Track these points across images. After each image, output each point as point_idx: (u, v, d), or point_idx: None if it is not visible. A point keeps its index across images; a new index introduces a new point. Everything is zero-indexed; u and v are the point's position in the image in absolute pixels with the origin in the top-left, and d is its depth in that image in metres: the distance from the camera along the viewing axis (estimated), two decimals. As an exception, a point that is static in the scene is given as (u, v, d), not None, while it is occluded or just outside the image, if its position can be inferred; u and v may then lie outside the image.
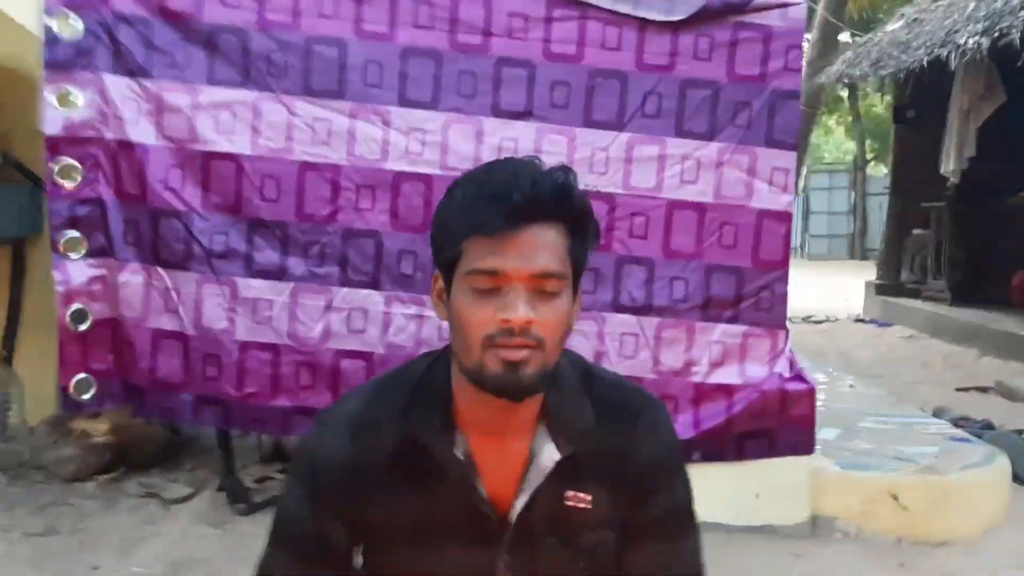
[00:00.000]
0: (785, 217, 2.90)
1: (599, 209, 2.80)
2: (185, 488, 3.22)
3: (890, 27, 8.83)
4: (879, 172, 22.38)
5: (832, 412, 3.71)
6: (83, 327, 2.83)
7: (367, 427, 1.33)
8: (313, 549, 1.33)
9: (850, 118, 22.32)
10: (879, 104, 19.36)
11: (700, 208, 2.87)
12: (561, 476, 1.31)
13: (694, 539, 1.45)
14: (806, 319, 9.51)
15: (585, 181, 2.78)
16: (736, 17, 2.82)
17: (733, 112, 2.85)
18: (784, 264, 2.92)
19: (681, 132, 2.85)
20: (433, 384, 1.32)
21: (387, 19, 2.80)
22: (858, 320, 9.65)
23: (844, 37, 11.36)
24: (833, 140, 31.59)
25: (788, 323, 2.99)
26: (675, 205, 2.87)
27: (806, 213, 23.03)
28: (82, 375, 2.86)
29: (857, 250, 21.47)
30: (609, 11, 2.80)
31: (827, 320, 9.59)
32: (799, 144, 9.72)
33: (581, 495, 1.34)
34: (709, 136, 2.86)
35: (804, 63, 10.34)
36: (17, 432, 3.59)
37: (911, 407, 4.33)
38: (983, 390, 5.81)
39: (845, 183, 22.71)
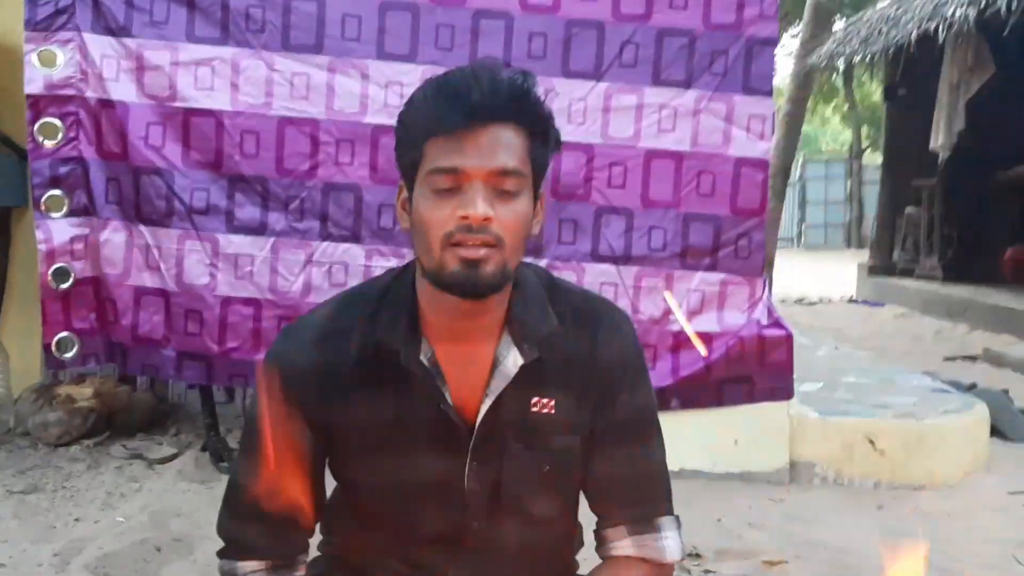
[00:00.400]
0: (762, 164, 2.92)
1: (578, 159, 2.85)
2: (169, 449, 3.24)
3: (880, 5, 8.86)
4: (875, 161, 22.40)
5: (814, 369, 3.74)
6: (65, 286, 2.86)
7: (333, 335, 1.35)
8: (283, 454, 1.35)
9: (846, 106, 22.35)
10: (875, 92, 19.38)
11: (677, 157, 2.90)
12: (526, 381, 1.33)
13: (658, 442, 1.47)
14: (799, 301, 9.55)
15: (563, 132, 2.83)
16: (711, -35, 2.84)
17: (709, 60, 2.87)
18: (762, 212, 2.94)
19: (658, 81, 2.88)
20: (399, 293, 1.34)
21: (365, -27, 2.83)
22: (851, 301, 9.68)
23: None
24: (830, 131, 31.63)
25: (767, 278, 3.02)
26: (653, 154, 2.89)
27: (802, 203, 23.07)
28: (64, 333, 2.89)
29: (854, 238, 21.49)
30: (585, -38, 2.83)
31: (820, 302, 9.62)
32: (792, 126, 9.76)
33: (545, 400, 1.35)
34: (686, 84, 2.88)
35: (797, 45, 10.38)
36: (2, 402, 3.60)
37: (895, 366, 4.36)
38: (971, 359, 5.84)
39: (841, 172, 22.73)
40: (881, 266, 9.90)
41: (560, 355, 1.35)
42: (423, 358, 1.31)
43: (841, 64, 9.42)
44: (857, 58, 8.43)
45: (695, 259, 2.92)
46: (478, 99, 1.19)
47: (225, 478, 2.90)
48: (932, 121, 8.02)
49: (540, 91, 1.28)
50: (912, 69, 8.69)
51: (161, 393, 3.71)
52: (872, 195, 19.22)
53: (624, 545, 1.42)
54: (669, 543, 1.41)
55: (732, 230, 2.92)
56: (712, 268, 2.93)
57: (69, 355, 2.88)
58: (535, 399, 1.35)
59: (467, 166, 1.18)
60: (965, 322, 7.37)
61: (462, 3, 2.84)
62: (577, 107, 2.86)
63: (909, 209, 9.35)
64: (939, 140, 7.84)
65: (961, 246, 8.71)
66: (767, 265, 9.42)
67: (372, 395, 1.33)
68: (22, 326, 3.78)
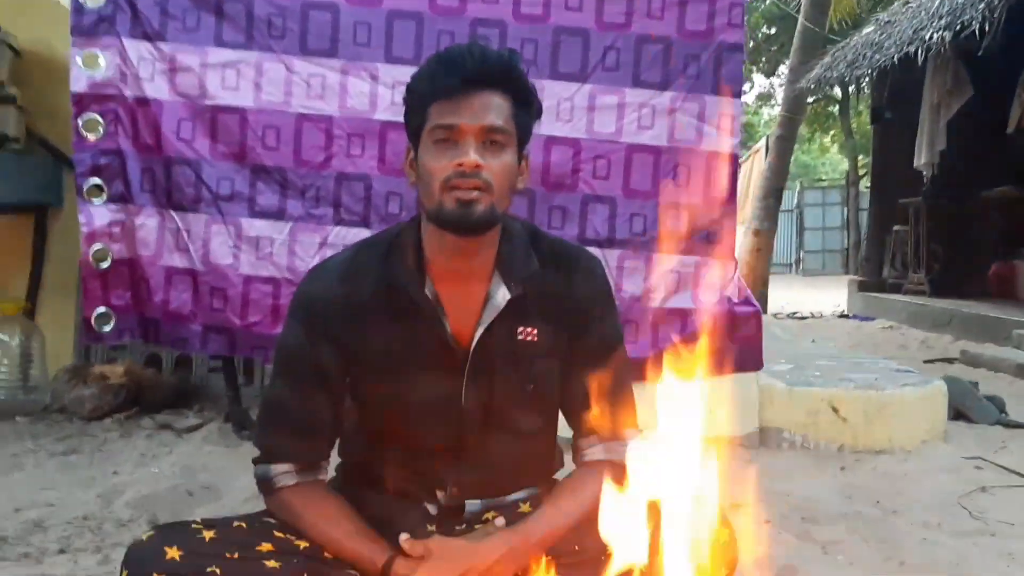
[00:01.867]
0: (731, 158, 3.21)
1: (566, 153, 3.16)
2: (195, 420, 3.54)
3: (864, 31, 9.22)
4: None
5: (788, 355, 4.02)
6: (104, 265, 3.14)
7: (353, 273, 1.66)
8: (310, 374, 1.64)
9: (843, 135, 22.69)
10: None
11: (656, 151, 3.20)
12: (512, 314, 1.63)
13: (624, 368, 1.76)
14: (791, 315, 9.81)
15: (552, 128, 3.15)
16: (684, -21, 3.16)
17: (684, 64, 3.18)
18: (731, 201, 3.23)
19: (638, 83, 3.18)
20: (407, 239, 1.65)
21: (374, -14, 3.15)
22: (842, 316, 9.94)
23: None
24: (829, 160, 32.00)
25: (737, 260, 3.32)
26: (633, 148, 3.20)
27: (800, 229, 23.33)
28: (102, 309, 3.17)
29: (852, 264, 21.70)
30: (571, -25, 3.15)
31: (812, 316, 9.89)
32: (784, 150, 10.07)
33: (529, 329, 1.66)
34: (663, 86, 3.18)
35: (787, 70, 10.70)
36: (38, 383, 3.89)
37: (865, 354, 4.63)
38: (949, 361, 6.10)
39: (838, 199, 23.03)
40: (871, 282, 10.18)
41: (541, 292, 1.66)
42: (427, 292, 1.61)
43: (836, 92, 9.80)
44: (847, 78, 8.75)
45: (672, 243, 3.21)
46: (471, 68, 1.51)
47: (246, 444, 3.20)
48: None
49: (524, 68, 1.60)
50: (897, 92, 9.05)
51: (184, 375, 4.02)
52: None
53: (596, 451, 1.71)
54: None
55: (705, 217, 3.22)
56: (688, 251, 3.22)
57: (107, 329, 3.16)
58: (520, 328, 1.65)
59: (462, 123, 1.49)
60: (950, 333, 7.61)
61: (461, 13, 3.16)
62: (565, 106, 3.16)
63: (897, 227, 9.65)
64: (922, 159, 8.17)
65: (947, 262, 8.99)
66: (761, 282, 9.73)
67: (385, 324, 1.62)
68: (55, 315, 4.10)
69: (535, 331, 1.66)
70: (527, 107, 1.60)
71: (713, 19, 3.17)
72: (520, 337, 1.66)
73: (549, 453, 1.85)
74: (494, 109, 1.51)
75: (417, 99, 1.56)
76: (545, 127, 3.11)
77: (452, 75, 1.50)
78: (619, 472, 1.66)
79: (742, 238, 10.31)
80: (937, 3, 7.28)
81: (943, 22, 6.94)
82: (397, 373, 1.64)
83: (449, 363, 1.63)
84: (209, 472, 2.94)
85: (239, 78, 3.11)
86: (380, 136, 3.14)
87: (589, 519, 1.59)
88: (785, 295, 12.57)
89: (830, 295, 12.80)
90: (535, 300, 1.65)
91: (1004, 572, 2.19)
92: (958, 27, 6.69)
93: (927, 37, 7.11)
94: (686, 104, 3.19)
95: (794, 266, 23.35)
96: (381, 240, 1.71)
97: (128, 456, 3.13)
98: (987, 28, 6.39)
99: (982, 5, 6.42)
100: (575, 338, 1.69)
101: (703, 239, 3.22)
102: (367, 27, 3.13)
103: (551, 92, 3.14)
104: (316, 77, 3.12)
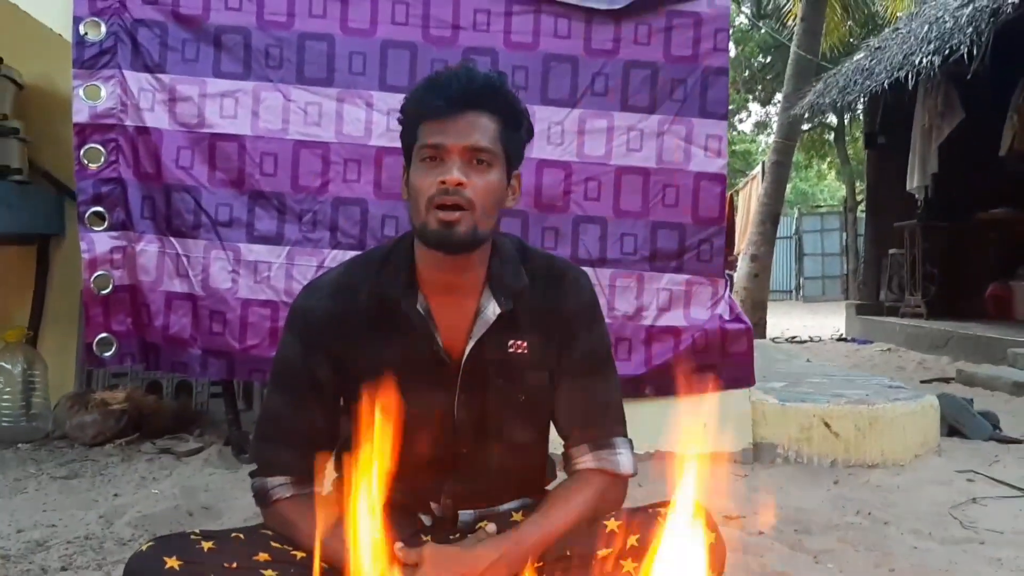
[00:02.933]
0: (719, 179, 3.29)
1: (557, 175, 3.23)
2: (195, 444, 3.57)
3: (856, 57, 9.34)
4: (869, 213, 22.74)
5: (782, 372, 4.06)
6: (105, 291, 3.22)
7: (346, 288, 1.70)
8: (306, 387, 1.69)
9: (839, 162, 22.85)
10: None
11: (645, 172, 3.27)
12: (503, 327, 1.67)
13: (612, 376, 1.80)
14: (790, 339, 9.85)
15: (544, 151, 3.22)
16: (669, 6, 3.26)
17: (670, 88, 3.27)
18: (720, 220, 3.30)
19: (626, 107, 3.27)
20: (399, 254, 1.70)
21: (369, 17, 3.24)
22: (840, 339, 9.98)
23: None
24: (828, 187, 32.14)
25: (727, 279, 3.38)
26: (623, 170, 3.27)
27: (800, 256, 23.39)
28: (104, 334, 3.24)
29: (852, 290, 21.73)
30: (560, 4, 3.24)
31: (810, 340, 9.93)
32: (779, 175, 10.15)
33: (519, 342, 1.70)
34: (650, 110, 3.27)
35: (781, 98, 10.82)
36: (40, 411, 3.93)
37: (859, 372, 4.67)
38: (945, 380, 6.13)
39: (836, 224, 23.12)
40: (868, 305, 10.24)
41: (530, 306, 1.70)
42: (419, 307, 1.65)
43: (831, 119, 9.91)
44: (839, 104, 8.86)
45: (663, 262, 3.28)
46: (457, 89, 1.57)
47: (246, 467, 3.22)
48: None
49: (512, 90, 1.66)
50: (890, 117, 9.15)
51: (185, 402, 4.06)
52: (867, 246, 19.56)
53: (586, 460, 1.74)
54: (623, 458, 1.74)
55: (695, 236, 3.29)
56: (678, 270, 3.28)
57: (108, 354, 3.22)
58: (511, 341, 1.70)
59: (447, 142, 1.54)
60: (947, 354, 7.63)
61: (453, 42, 3.24)
62: (555, 130, 3.25)
63: (893, 250, 9.71)
64: (914, 182, 8.25)
65: (943, 284, 9.03)
66: (759, 307, 9.77)
67: (378, 338, 1.66)
68: (58, 343, 4.15)
69: (525, 344, 1.70)
70: (515, 128, 1.64)
71: (698, 45, 3.26)
72: (511, 350, 1.69)
73: (541, 464, 1.89)
74: (480, 129, 1.55)
75: (408, 119, 1.61)
76: (536, 151, 3.18)
77: (439, 96, 1.56)
78: (608, 479, 1.72)
79: (740, 264, 10.38)
80: (926, 28, 7.39)
81: (932, 47, 7.04)
82: (392, 388, 1.68)
83: (442, 376, 1.67)
84: (209, 493, 2.97)
85: (237, 107, 3.20)
86: (376, 161, 3.21)
87: (579, 525, 1.64)
88: (784, 321, 12.62)
89: (830, 320, 12.84)
90: (525, 314, 1.69)
91: (992, 577, 2.22)
92: (947, 51, 6.79)
93: (917, 62, 7.21)
94: (674, 127, 3.27)
95: (794, 293, 23.38)
96: (374, 256, 1.76)
97: (129, 479, 3.16)
98: (975, 52, 6.48)
99: (970, 29, 6.52)
100: (564, 349, 1.72)
101: (693, 258, 3.28)
102: (362, 56, 3.22)
103: (542, 117, 3.22)
104: (313, 105, 3.21)
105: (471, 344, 1.66)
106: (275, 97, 3.21)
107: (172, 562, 1.51)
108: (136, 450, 3.58)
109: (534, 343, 1.71)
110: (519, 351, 1.70)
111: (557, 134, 3.25)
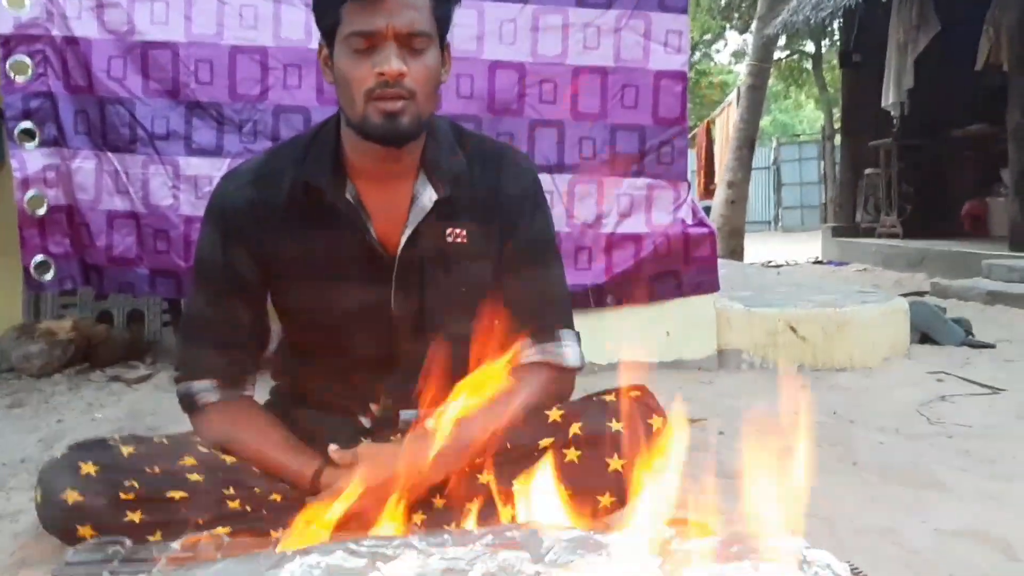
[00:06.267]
0: (680, 76, 3.16)
1: (511, 77, 3.08)
2: (146, 371, 3.46)
3: (830, -27, 9.13)
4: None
5: (752, 285, 3.97)
6: (40, 211, 3.07)
7: (267, 175, 1.57)
8: (228, 283, 1.56)
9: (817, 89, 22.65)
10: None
11: (602, 72, 3.13)
12: (440, 215, 1.55)
13: (556, 265, 1.69)
14: (765, 264, 9.79)
15: (496, 51, 3.07)
16: None
17: (628, -20, 3.11)
18: (681, 120, 3.18)
19: (581, 2, 3.11)
20: (324, 140, 1.56)
21: (305, -90, 3.05)
22: (816, 263, 9.93)
23: None
24: (806, 117, 31.94)
25: (689, 182, 3.27)
26: (579, 70, 3.13)
27: (778, 186, 23.28)
28: (41, 257, 3.10)
29: (830, 218, 21.68)
30: None
31: (786, 264, 9.87)
32: (754, 99, 10.00)
33: (458, 231, 1.58)
34: (607, 4, 3.11)
35: (755, 19, 10.64)
36: (-16, 345, 3.79)
37: (829, 283, 4.59)
38: (920, 294, 6.08)
39: (815, 153, 22.98)
40: (844, 228, 10.17)
41: (469, 191, 1.57)
42: (348, 196, 1.52)
43: (808, 47, 9.71)
44: (812, 21, 8.68)
45: (623, 166, 3.15)
46: None
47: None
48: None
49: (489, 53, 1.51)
50: (865, 34, 8.99)
51: (137, 331, 3.93)
52: (845, 174, 19.45)
53: (530, 353, 1.63)
54: (568, 350, 1.63)
55: (655, 138, 3.16)
56: (639, 174, 3.16)
57: (47, 277, 3.09)
58: (449, 230, 1.57)
59: (380, 27, 1.38)
60: (923, 271, 7.61)
61: (397, -62, 3.06)
62: (507, 28, 3.09)
63: (868, 170, 9.62)
64: (890, 98, 8.12)
65: (920, 203, 8.98)
66: (736, 234, 9.69)
67: (304, 230, 1.54)
68: (4, 276, 3.97)
69: (464, 232, 1.58)
70: None
71: (656, -68, 3.09)
72: (449, 239, 1.57)
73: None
74: (413, 9, 1.40)
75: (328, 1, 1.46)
76: (488, 51, 3.04)
77: None
78: (553, 372, 1.62)
79: (717, 191, 10.27)
80: (899, -62, 7.21)
81: (906, -44, 6.86)
82: (320, 282, 1.56)
83: (375, 269, 1.55)
84: (156, 416, 2.86)
85: (169, 11, 3.03)
86: (318, 67, 3.02)
87: (523, 417, 1.54)
88: (762, 249, 12.55)
89: (807, 247, 12.79)
90: (463, 200, 1.57)
91: (960, 467, 2.15)
92: (921, -40, 6.62)
93: (891, -28, 7.04)
94: (632, 22, 3.12)
95: (772, 223, 23.32)
96: (298, 142, 1.63)
97: (75, 406, 3.04)
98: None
99: (944, -65, 6.35)
100: (506, 237, 1.60)
101: (653, 161, 3.16)
102: (299, -46, 3.04)
103: (493, 14, 3.07)
104: (248, 8, 3.05)
105: (406, 234, 1.54)
106: (208, 0, 3.03)
107: (88, 467, 1.41)
108: (85, 379, 3.46)
109: (474, 231, 1.59)
110: (458, 240, 1.58)
111: (509, 32, 3.09)
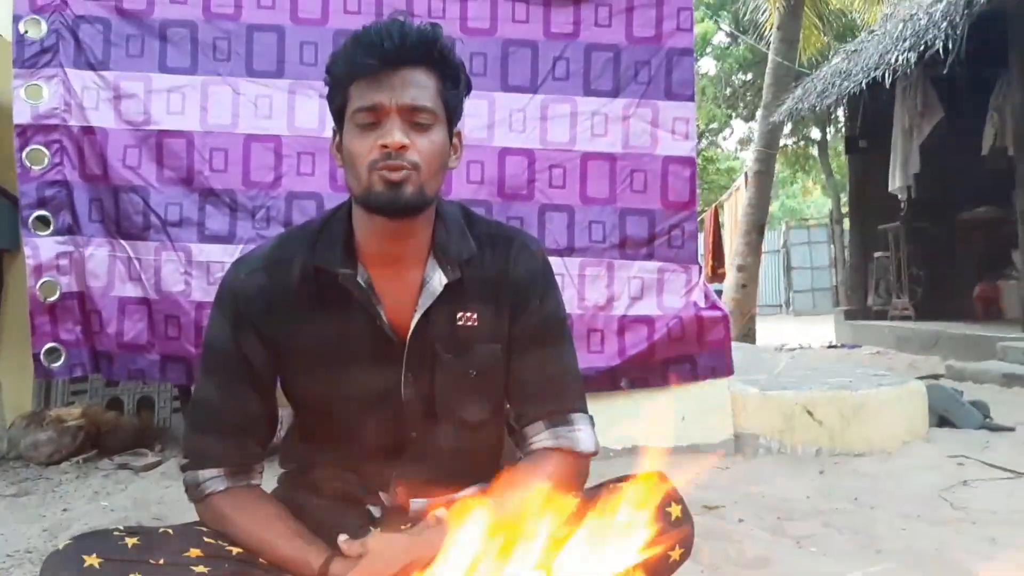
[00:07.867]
0: (689, 162, 3.18)
1: (521, 163, 3.11)
2: (155, 459, 3.42)
3: (833, 61, 9.30)
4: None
5: (765, 367, 3.93)
6: (52, 299, 3.08)
7: (278, 262, 1.56)
8: (237, 370, 1.54)
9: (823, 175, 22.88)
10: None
11: (611, 158, 3.16)
12: (450, 299, 1.54)
13: (567, 346, 1.67)
14: (778, 348, 9.71)
15: (506, 139, 3.11)
16: (630, -14, 3.16)
17: (634, 71, 3.16)
18: (691, 205, 3.19)
19: (589, 91, 3.16)
20: (335, 225, 1.56)
21: (320, 7, 3.13)
22: (830, 347, 9.85)
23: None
24: (815, 203, 32.19)
25: (701, 265, 3.26)
26: (588, 156, 3.16)
27: (788, 269, 23.30)
28: (52, 344, 3.09)
29: (841, 301, 21.62)
30: (516, -12, 3.14)
31: (799, 347, 9.80)
32: (762, 184, 10.10)
33: (469, 314, 1.56)
34: (614, 93, 3.16)
35: (760, 107, 10.80)
36: (-4, 432, 3.77)
37: (844, 365, 4.54)
38: (936, 377, 6.01)
39: (824, 237, 23.06)
40: (857, 311, 10.13)
41: (479, 274, 1.56)
42: (359, 279, 1.52)
43: (814, 133, 9.86)
44: (817, 108, 8.81)
45: (633, 249, 3.16)
46: (390, 46, 1.43)
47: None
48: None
49: (449, 42, 1.54)
50: (870, 120, 9.10)
51: (147, 418, 3.91)
52: (854, 258, 19.47)
53: (542, 438, 1.59)
54: (582, 435, 1.59)
55: (665, 222, 3.17)
56: (649, 257, 3.16)
57: (57, 365, 3.08)
58: (459, 313, 1.55)
59: (383, 101, 1.40)
60: (937, 353, 7.54)
61: (408, 30, 3.13)
62: (517, 117, 3.13)
63: (878, 254, 9.62)
64: (896, 183, 8.17)
65: (930, 286, 8.95)
66: (748, 318, 9.65)
67: (315, 315, 1.52)
68: (16, 363, 3.96)
69: (475, 315, 1.56)
70: (454, 83, 1.51)
71: (661, 25, 3.17)
72: (459, 322, 1.55)
73: (497, 445, 1.74)
74: (418, 87, 1.42)
75: (337, 80, 1.48)
76: (499, 138, 3.07)
77: (371, 53, 1.42)
78: (567, 458, 1.58)
79: (728, 275, 10.28)
80: (901, 27, 7.33)
81: (907, 44, 6.97)
82: (330, 367, 1.53)
83: (386, 354, 1.52)
84: (163, 505, 2.82)
85: (185, 102, 3.08)
86: (331, 154, 3.08)
87: (534, 507, 1.50)
88: (774, 332, 12.47)
89: (819, 330, 12.70)
90: (473, 284, 1.55)
91: (986, 554, 2.09)
92: (922, 48, 6.72)
93: (893, 60, 7.14)
94: (639, 110, 3.16)
95: (784, 306, 23.25)
96: (309, 227, 1.62)
97: (82, 494, 3.01)
98: (951, 47, 6.41)
99: (944, 24, 6.45)
100: (515, 318, 1.58)
101: (664, 244, 3.16)
102: (314, 47, 3.11)
103: (503, 104, 3.12)
104: (263, 98, 3.10)
105: (417, 317, 1.52)
106: (224, 91, 3.09)
107: (92, 560, 1.37)
108: (93, 467, 3.42)
109: (484, 314, 1.56)
110: (469, 323, 1.56)
111: (519, 121, 3.14)
